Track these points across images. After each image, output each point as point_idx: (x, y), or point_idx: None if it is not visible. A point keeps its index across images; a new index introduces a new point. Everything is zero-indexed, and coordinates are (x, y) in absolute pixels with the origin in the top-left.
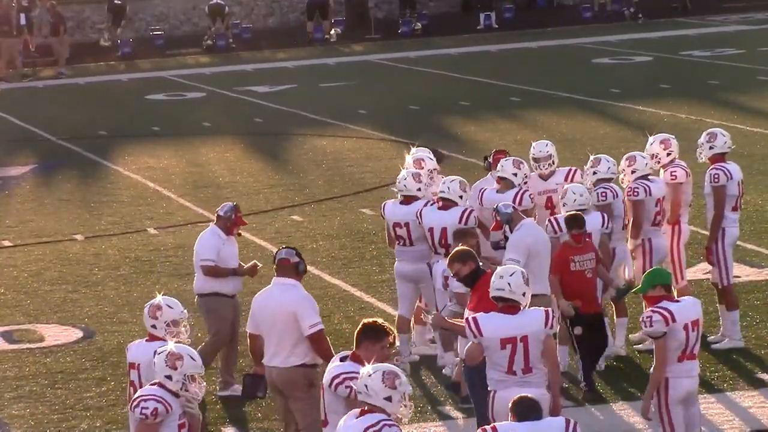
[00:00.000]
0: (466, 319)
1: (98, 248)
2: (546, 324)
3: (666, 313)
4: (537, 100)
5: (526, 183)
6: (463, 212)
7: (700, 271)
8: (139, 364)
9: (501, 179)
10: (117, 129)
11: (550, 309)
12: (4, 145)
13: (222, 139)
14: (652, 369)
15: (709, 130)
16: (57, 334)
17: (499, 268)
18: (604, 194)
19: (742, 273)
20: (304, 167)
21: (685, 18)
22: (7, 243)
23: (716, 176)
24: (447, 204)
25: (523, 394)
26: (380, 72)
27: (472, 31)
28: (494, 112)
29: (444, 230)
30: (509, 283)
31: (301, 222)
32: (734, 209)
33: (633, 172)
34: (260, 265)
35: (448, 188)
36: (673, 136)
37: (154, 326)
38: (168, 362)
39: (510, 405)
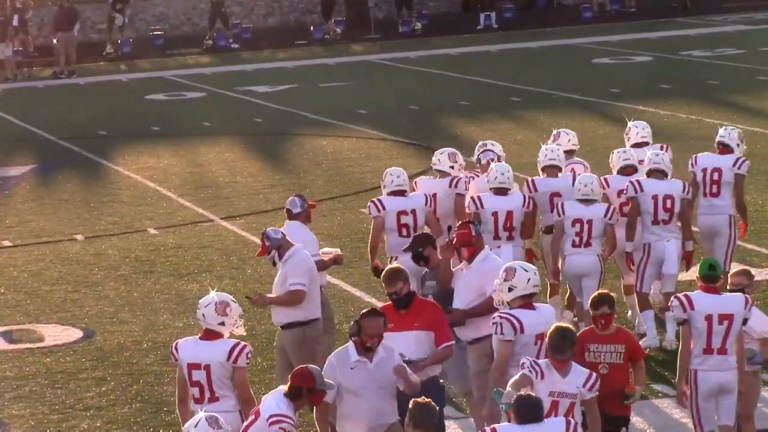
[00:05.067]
0: (503, 317)
1: (98, 248)
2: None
3: (684, 300)
4: (537, 100)
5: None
6: (524, 197)
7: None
8: (208, 365)
9: (550, 167)
10: (117, 129)
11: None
12: (4, 145)
13: (222, 139)
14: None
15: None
16: (57, 334)
17: (517, 264)
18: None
19: None
20: (304, 167)
21: (685, 18)
22: (7, 243)
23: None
24: (504, 191)
25: (524, 393)
26: (380, 72)
27: (472, 31)
28: (494, 112)
29: (510, 214)
30: (531, 279)
31: None
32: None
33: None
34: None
35: (508, 180)
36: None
37: (222, 323)
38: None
39: (514, 404)
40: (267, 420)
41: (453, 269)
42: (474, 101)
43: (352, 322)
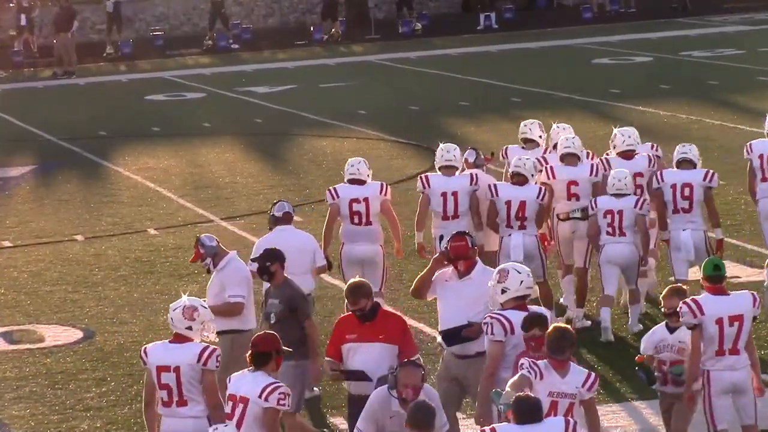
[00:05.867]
0: (493, 318)
1: (98, 249)
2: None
3: (694, 306)
4: (537, 100)
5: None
6: (540, 189)
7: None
8: (178, 367)
9: (569, 155)
10: (117, 129)
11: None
12: (4, 145)
13: (222, 140)
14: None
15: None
16: (57, 335)
17: (510, 266)
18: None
19: (742, 273)
20: (304, 167)
21: (685, 18)
22: (7, 243)
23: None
24: (522, 180)
25: (523, 394)
26: (380, 72)
27: (472, 31)
28: (494, 113)
29: (523, 204)
30: (524, 281)
31: (301, 222)
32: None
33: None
34: None
35: (524, 164)
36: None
37: (189, 328)
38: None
39: (513, 404)
40: (260, 395)
41: (432, 280)
42: (474, 101)
43: (389, 374)
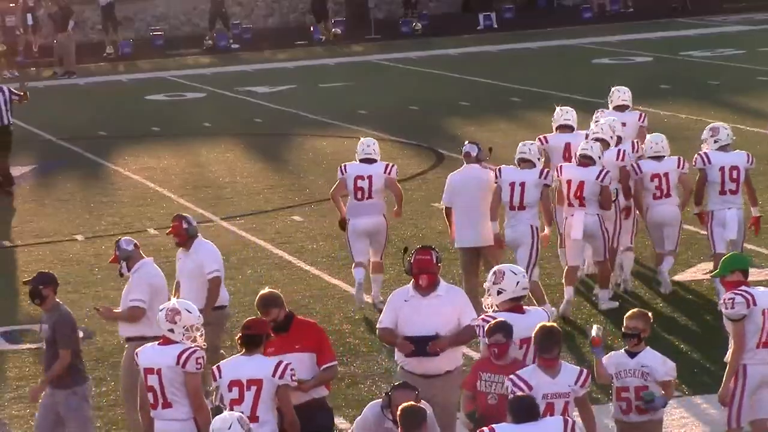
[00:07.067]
0: (486, 321)
1: (98, 248)
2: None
3: (748, 296)
4: (537, 100)
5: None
6: (602, 170)
7: (701, 271)
8: (159, 369)
9: (599, 140)
10: (117, 129)
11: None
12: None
13: (222, 140)
14: (728, 354)
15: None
16: None
17: (506, 267)
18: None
19: None
20: (304, 167)
21: (685, 18)
22: (7, 243)
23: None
24: (586, 162)
25: (521, 394)
26: (380, 72)
27: (472, 31)
28: (494, 112)
29: (582, 184)
30: (519, 282)
31: (301, 222)
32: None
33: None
34: None
35: (591, 147)
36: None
37: (171, 330)
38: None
39: (509, 405)
40: (274, 374)
41: (392, 304)
42: (474, 101)
43: (384, 394)
